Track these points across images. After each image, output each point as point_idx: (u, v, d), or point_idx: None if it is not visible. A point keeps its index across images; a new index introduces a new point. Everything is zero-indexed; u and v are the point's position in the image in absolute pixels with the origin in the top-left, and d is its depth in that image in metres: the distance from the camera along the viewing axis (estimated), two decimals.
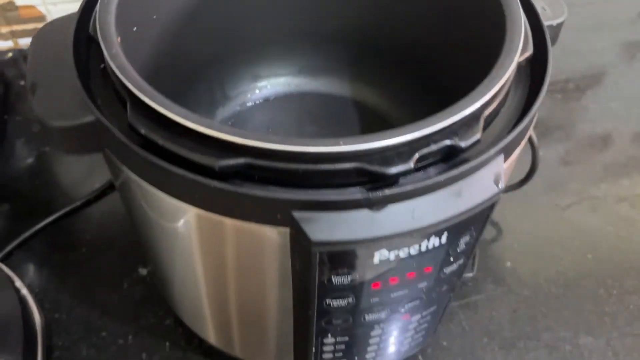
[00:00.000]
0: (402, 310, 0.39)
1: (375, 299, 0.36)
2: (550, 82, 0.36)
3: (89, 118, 0.33)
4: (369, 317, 0.38)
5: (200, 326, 0.50)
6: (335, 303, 0.36)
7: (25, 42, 0.81)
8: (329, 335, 0.40)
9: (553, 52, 0.38)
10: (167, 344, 0.54)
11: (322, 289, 0.34)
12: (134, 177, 0.33)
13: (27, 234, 0.60)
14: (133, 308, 0.56)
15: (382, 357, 0.46)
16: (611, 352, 0.54)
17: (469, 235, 0.35)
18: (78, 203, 0.63)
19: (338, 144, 0.29)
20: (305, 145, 0.29)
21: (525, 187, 0.59)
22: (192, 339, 0.54)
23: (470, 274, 0.56)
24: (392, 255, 0.32)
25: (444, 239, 0.33)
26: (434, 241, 0.33)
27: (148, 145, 0.31)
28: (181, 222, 0.35)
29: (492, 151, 0.32)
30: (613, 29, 0.93)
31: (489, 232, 0.63)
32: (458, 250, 0.36)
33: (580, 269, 0.60)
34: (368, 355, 0.44)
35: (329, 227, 0.30)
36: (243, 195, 0.30)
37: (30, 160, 0.69)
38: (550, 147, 0.73)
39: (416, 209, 0.31)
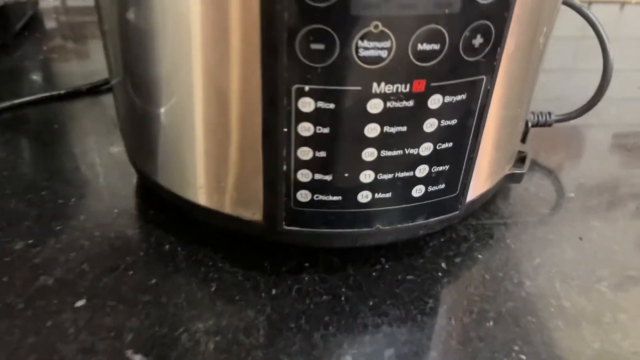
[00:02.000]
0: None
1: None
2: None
3: None
4: (362, 52, 0.27)
5: (187, 181, 0.38)
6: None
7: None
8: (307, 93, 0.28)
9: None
10: (116, 211, 0.42)
11: None
12: None
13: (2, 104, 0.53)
14: (92, 179, 0.45)
15: (384, 190, 0.32)
16: None
17: None
18: (62, 91, 0.56)
19: None
20: None
21: None
22: (146, 211, 0.42)
23: (520, 170, 0.42)
24: None
25: None
26: None
27: None
28: None
29: None
30: None
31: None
32: None
33: None
34: (363, 178, 0.31)
35: None
36: None
37: (33, 62, 0.64)
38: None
39: None
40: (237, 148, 0.33)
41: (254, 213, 0.34)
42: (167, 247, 0.39)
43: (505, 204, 0.45)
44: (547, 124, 0.50)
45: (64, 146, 0.50)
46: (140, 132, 0.38)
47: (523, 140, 0.48)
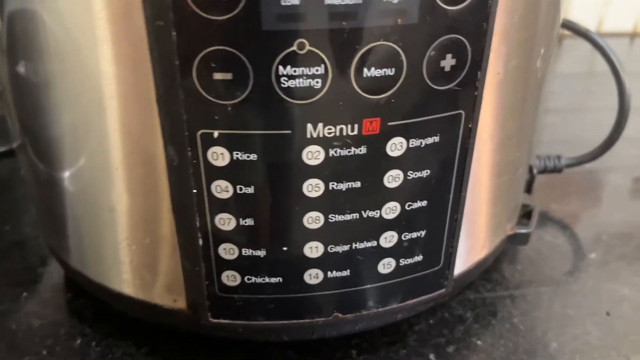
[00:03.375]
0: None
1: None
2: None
3: None
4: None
5: (94, 260, 0.30)
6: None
7: None
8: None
9: None
10: (25, 295, 0.34)
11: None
12: None
13: None
14: (3, 252, 0.38)
15: (340, 267, 0.24)
16: None
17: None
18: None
19: None
20: None
21: None
22: (64, 295, 0.34)
23: (526, 230, 0.34)
24: None
25: None
26: None
27: None
28: None
29: None
30: None
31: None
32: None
33: None
34: (309, 252, 0.23)
35: None
36: None
37: None
38: None
39: None
40: (152, 216, 0.25)
41: (175, 300, 0.26)
42: (78, 341, 0.31)
43: (511, 270, 0.37)
44: (556, 170, 0.42)
45: None
46: (45, 202, 0.30)
47: (528, 190, 0.40)
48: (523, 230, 0.33)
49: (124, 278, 0.27)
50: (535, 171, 0.40)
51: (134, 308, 0.28)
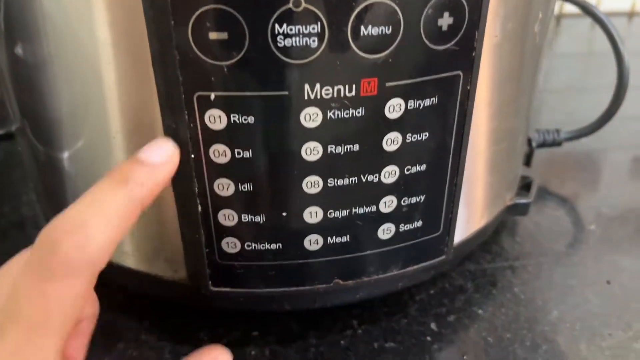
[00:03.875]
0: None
1: None
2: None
3: None
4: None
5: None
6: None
7: None
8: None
9: None
10: None
11: None
12: None
13: None
14: None
15: (339, 232, 0.24)
16: None
17: None
18: None
19: None
20: None
21: None
22: None
23: (526, 200, 0.34)
24: None
25: None
26: None
27: None
28: None
29: None
30: None
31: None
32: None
33: None
34: (308, 218, 0.23)
35: None
36: None
37: None
38: None
39: None
40: None
41: (175, 270, 0.26)
42: None
43: (511, 242, 0.37)
44: (555, 143, 0.42)
45: None
46: (45, 182, 0.30)
47: (527, 163, 0.40)
48: (522, 201, 0.33)
49: (124, 250, 0.27)
50: (534, 144, 0.40)
51: (135, 281, 0.28)
